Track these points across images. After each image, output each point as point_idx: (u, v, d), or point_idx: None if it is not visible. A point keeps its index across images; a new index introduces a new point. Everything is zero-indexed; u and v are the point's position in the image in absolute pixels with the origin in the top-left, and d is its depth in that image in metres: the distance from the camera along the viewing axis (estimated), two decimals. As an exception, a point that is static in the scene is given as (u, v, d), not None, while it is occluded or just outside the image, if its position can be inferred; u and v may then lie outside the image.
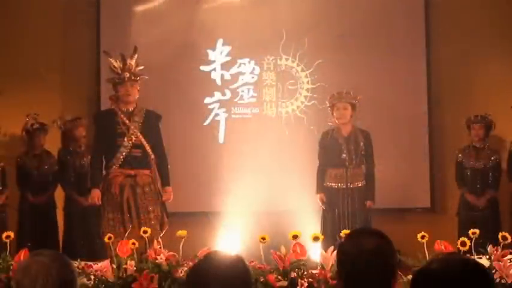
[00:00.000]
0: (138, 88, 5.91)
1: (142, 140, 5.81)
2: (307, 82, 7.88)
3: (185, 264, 4.78)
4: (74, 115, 7.28)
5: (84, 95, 7.83)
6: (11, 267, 4.81)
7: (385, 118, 7.66)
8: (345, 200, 6.35)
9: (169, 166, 5.98)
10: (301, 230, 5.12)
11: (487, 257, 4.70)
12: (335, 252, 4.51)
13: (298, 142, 7.47)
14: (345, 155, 6.41)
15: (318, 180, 6.52)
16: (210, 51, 7.86)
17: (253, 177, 7.25)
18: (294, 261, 4.78)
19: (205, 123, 7.84)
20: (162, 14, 7.74)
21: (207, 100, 7.84)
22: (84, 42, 7.83)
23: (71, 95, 7.75)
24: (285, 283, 4.71)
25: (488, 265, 4.55)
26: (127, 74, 5.82)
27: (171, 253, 4.88)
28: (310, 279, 4.71)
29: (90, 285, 4.78)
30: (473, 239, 4.81)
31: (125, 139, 5.79)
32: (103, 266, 4.86)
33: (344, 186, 6.37)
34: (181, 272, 4.78)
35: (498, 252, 4.70)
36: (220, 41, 7.85)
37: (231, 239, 7.16)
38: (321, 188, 6.49)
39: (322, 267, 4.76)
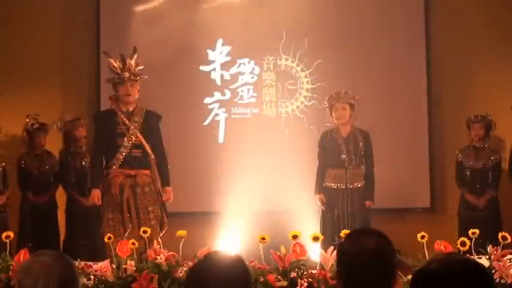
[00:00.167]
0: (138, 88, 5.90)
1: (142, 140, 5.81)
2: (307, 82, 7.87)
3: (185, 264, 4.78)
4: (74, 115, 7.27)
5: (84, 95, 7.83)
6: (11, 267, 4.81)
7: (385, 118, 7.66)
8: (345, 200, 6.35)
9: (169, 166, 5.98)
10: (301, 230, 5.12)
11: (487, 257, 4.71)
12: (335, 252, 4.51)
13: (297, 142, 7.46)
14: (344, 156, 6.41)
15: (317, 180, 6.52)
16: (209, 51, 7.86)
17: (253, 177, 7.26)
18: (294, 261, 4.78)
19: (205, 123, 7.83)
20: (162, 14, 7.73)
21: (207, 100, 7.84)
22: (84, 42, 7.84)
23: (71, 95, 7.76)
24: (285, 283, 4.71)
25: (488, 265, 4.56)
26: (127, 74, 5.81)
27: (171, 253, 4.87)
28: (310, 279, 4.71)
29: (90, 285, 4.78)
30: (473, 239, 4.81)
31: (125, 139, 5.78)
32: (103, 266, 4.86)
33: (343, 187, 6.37)
34: (181, 272, 4.78)
35: (498, 252, 4.70)
36: (220, 41, 7.85)
37: (231, 239, 7.17)
38: (321, 188, 6.49)
39: (322, 267, 4.76)
